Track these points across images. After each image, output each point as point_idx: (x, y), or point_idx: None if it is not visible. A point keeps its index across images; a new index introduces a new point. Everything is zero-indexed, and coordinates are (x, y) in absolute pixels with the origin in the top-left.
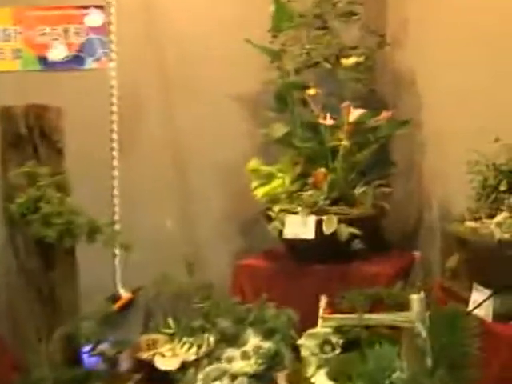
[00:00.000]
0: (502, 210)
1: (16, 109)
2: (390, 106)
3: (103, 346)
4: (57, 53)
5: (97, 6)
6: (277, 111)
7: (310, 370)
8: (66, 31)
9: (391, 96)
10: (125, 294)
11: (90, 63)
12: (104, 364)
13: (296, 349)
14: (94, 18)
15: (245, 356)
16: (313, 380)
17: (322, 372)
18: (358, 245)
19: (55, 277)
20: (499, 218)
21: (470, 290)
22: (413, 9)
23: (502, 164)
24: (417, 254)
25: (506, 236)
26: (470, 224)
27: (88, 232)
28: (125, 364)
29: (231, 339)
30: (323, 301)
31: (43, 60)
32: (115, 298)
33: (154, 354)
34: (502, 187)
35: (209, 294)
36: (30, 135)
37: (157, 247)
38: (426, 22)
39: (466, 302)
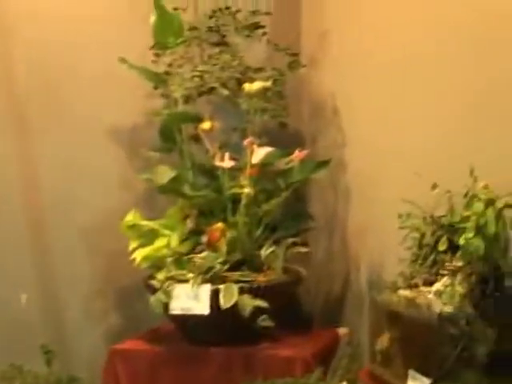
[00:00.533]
0: (442, 275)
1: None
2: (305, 143)
3: None
4: None
5: None
6: (162, 150)
7: None
8: None
9: (307, 130)
10: None
11: None
12: None
13: None
14: None
15: None
16: None
17: None
18: (265, 321)
19: None
20: (439, 285)
21: (406, 378)
22: (333, 19)
23: (442, 216)
24: (342, 330)
25: (447, 309)
26: (404, 293)
27: None
28: None
29: None
30: None
31: None
32: None
33: None
34: (442, 246)
35: None
36: None
37: (5, 330)
38: (351, 36)
39: None
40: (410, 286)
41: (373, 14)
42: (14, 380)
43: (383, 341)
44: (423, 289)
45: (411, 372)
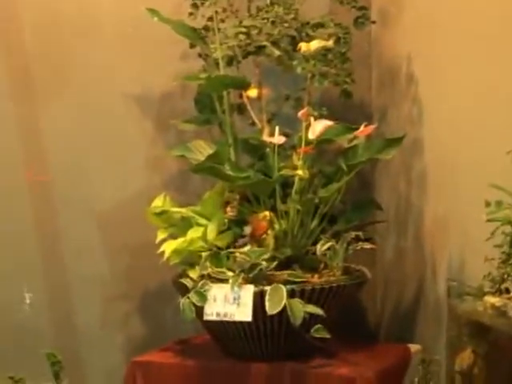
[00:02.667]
0: None
1: None
2: (373, 117)
3: None
4: None
5: None
6: (198, 123)
7: None
8: None
9: (376, 101)
10: None
11: None
12: None
13: None
14: None
15: None
16: None
17: None
18: (319, 332)
19: None
20: None
21: None
22: None
23: None
24: (415, 347)
25: None
26: (491, 300)
27: None
28: None
29: None
30: None
31: None
32: None
33: None
34: None
35: None
36: None
37: (6, 335)
38: None
39: None
40: (499, 292)
41: None
42: None
43: (465, 359)
44: None
45: None
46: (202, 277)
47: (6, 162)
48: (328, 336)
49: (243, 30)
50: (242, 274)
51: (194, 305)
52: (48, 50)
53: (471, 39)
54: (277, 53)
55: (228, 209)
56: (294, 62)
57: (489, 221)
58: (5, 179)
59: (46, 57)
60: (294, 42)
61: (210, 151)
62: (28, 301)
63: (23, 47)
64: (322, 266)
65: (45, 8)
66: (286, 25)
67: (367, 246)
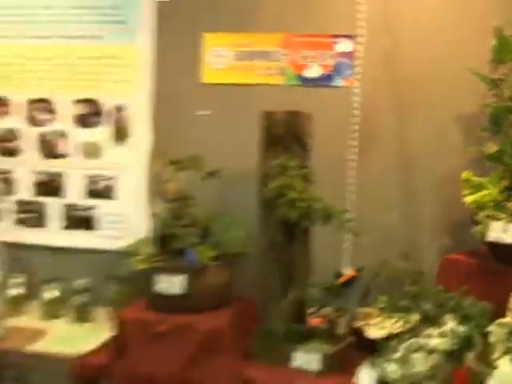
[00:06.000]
0: None
1: (277, 114)
2: None
3: (326, 310)
4: (312, 72)
5: (346, 36)
6: (491, 132)
7: (496, 355)
8: (321, 55)
9: None
10: (349, 272)
11: (337, 81)
12: (325, 324)
13: (486, 334)
14: (344, 46)
15: (442, 335)
16: (497, 363)
17: (507, 357)
18: None
19: (294, 250)
20: None
21: None
22: None
23: None
24: None
25: None
26: None
27: (323, 216)
28: (341, 328)
29: (431, 320)
30: None
31: (301, 77)
32: (340, 274)
33: (365, 324)
34: None
35: (418, 279)
36: (285, 135)
37: (381, 236)
38: None
39: None
40: None
41: None
42: (381, 268)
43: None
44: None
45: None
46: (487, 216)
47: (388, 146)
48: None
49: None
50: (510, 217)
51: (482, 231)
52: (413, 94)
53: None
54: None
55: (505, 181)
56: None
57: None
58: (388, 152)
59: (412, 98)
60: None
61: (497, 148)
62: (393, 218)
63: (402, 93)
64: None
65: (411, 72)
66: None
67: None
